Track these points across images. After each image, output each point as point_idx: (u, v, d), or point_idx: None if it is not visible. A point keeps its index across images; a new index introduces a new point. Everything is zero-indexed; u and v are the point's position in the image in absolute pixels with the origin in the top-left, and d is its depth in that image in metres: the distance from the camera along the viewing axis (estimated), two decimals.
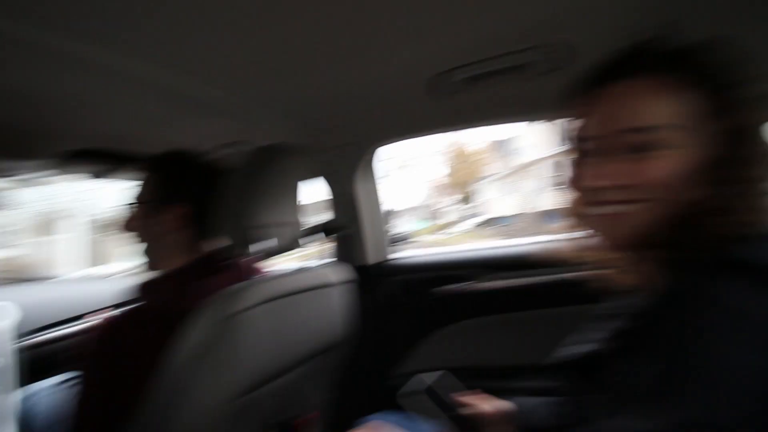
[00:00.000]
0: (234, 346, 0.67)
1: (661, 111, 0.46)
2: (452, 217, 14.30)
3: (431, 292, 1.32)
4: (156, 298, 0.75)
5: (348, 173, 1.30)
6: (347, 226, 1.36)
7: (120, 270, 1.79)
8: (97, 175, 1.31)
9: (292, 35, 0.68)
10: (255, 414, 0.76)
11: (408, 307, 1.35)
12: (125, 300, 1.46)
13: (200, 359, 0.66)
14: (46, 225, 5.89)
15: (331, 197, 1.35)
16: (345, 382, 1.11)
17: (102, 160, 1.23)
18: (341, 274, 0.98)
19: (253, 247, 0.77)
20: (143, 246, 0.86)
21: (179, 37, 0.67)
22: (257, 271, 0.91)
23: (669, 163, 0.46)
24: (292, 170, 0.86)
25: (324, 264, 0.99)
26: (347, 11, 0.62)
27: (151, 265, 0.86)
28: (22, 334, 1.25)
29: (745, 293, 0.38)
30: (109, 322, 0.72)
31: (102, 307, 1.43)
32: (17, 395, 1.03)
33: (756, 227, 0.43)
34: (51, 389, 1.15)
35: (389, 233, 1.48)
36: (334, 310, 0.94)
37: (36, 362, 1.25)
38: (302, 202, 0.92)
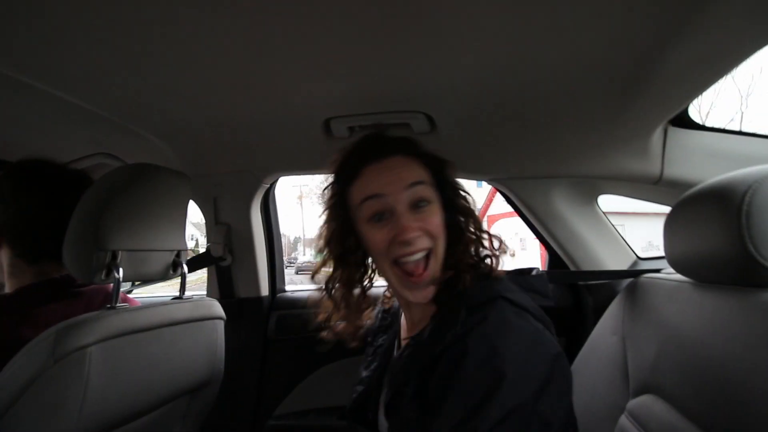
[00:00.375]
0: (72, 387, 0.60)
1: (419, 172, 0.66)
2: None
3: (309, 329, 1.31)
4: None
5: (241, 201, 1.26)
6: (230, 257, 1.31)
7: None
8: None
9: (183, 57, 0.67)
10: None
11: (291, 344, 1.31)
12: None
13: (32, 394, 0.58)
14: None
15: (218, 225, 1.29)
16: (218, 423, 1.05)
17: None
18: (216, 308, 0.93)
19: (111, 274, 0.71)
20: None
21: (62, 47, 0.63)
22: (120, 300, 0.84)
23: (436, 213, 0.65)
24: (168, 192, 0.82)
25: (199, 297, 0.94)
26: (250, 43, 0.62)
27: None
28: None
29: (519, 315, 0.57)
30: None
31: None
32: None
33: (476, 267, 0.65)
34: None
35: (284, 264, 1.44)
36: (207, 346, 0.88)
37: None
38: (180, 228, 0.88)
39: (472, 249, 0.66)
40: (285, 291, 1.43)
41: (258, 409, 1.27)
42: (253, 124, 0.93)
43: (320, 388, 1.27)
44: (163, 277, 0.86)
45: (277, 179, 1.33)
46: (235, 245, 1.29)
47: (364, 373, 0.76)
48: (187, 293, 0.92)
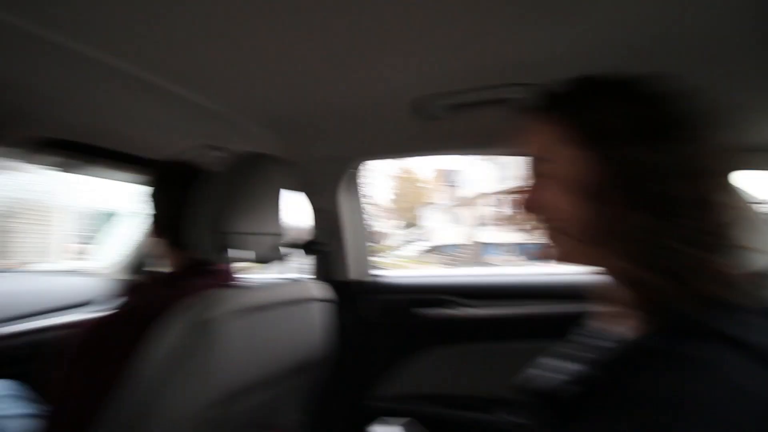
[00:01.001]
0: (207, 355, 0.66)
1: (542, 143, 0.53)
2: (396, 241, 14.29)
3: (412, 314, 1.31)
4: (141, 301, 0.75)
5: (330, 187, 1.29)
6: (328, 242, 1.36)
7: (90, 266, 1.75)
8: (65, 167, 1.29)
9: (283, 46, 0.68)
10: (225, 430, 0.75)
11: (388, 329, 1.33)
12: (108, 300, 1.45)
13: (172, 366, 0.65)
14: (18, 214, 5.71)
15: (312, 211, 1.33)
16: (320, 403, 1.09)
17: (72, 153, 1.21)
18: (321, 290, 0.97)
19: (231, 255, 0.76)
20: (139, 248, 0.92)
21: (169, 40, 0.67)
22: (235, 279, 0.91)
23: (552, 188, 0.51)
24: (273, 180, 0.85)
25: (303, 278, 0.98)
26: (339, 27, 0.63)
27: (143, 268, 0.96)
28: None
29: (745, 369, 0.36)
30: (92, 323, 0.72)
31: (74, 303, 1.43)
32: None
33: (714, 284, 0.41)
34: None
35: (371, 250, 1.47)
36: (313, 327, 0.92)
37: None
38: (283, 214, 0.92)
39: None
40: (379, 275, 1.44)
41: (360, 392, 1.30)
42: (348, 108, 0.94)
43: (426, 374, 1.26)
44: (272, 259, 0.90)
45: (367, 162, 1.33)
46: (328, 229, 1.33)
47: (575, 367, 0.53)
48: (282, 276, 0.97)
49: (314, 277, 1.39)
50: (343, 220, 1.32)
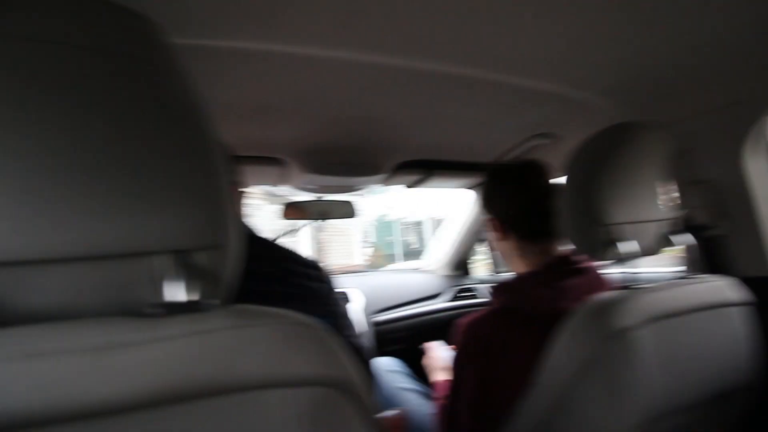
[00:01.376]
0: (626, 370, 0.58)
1: None
2: None
3: None
4: (516, 300, 0.74)
5: (729, 147, 0.93)
6: (726, 223, 1.00)
7: (425, 266, 1.99)
8: (413, 184, 1.46)
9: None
10: None
11: None
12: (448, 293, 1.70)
13: (584, 380, 0.59)
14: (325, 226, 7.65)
15: (694, 184, 1.00)
16: None
17: (421, 170, 1.35)
18: (736, 290, 0.72)
19: (615, 249, 0.66)
20: (491, 251, 0.94)
21: (491, 32, 0.64)
22: (608, 279, 0.80)
23: None
24: (650, 152, 0.70)
25: (711, 275, 0.76)
26: None
27: (499, 269, 0.94)
28: (368, 314, 1.54)
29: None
30: (473, 321, 0.74)
31: (426, 295, 1.67)
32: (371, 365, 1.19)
33: None
34: (383, 365, 1.32)
35: None
36: (734, 340, 0.70)
37: (378, 338, 1.52)
38: (662, 193, 0.72)
39: None
40: None
41: None
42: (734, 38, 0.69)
43: None
44: (655, 251, 0.74)
45: None
46: (725, 207, 0.98)
47: None
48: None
49: (709, 271, 1.06)
50: (752, 193, 0.94)
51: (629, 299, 0.61)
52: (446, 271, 1.87)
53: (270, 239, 0.77)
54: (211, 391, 0.27)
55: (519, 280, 0.77)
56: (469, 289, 1.78)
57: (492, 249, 0.96)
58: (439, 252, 1.90)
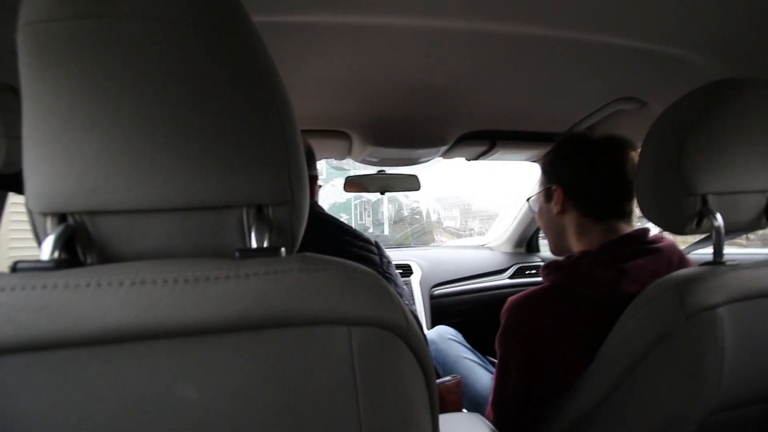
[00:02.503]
0: (703, 349, 0.54)
1: None
2: None
3: None
4: (567, 280, 0.70)
5: None
6: None
7: (485, 242, 1.98)
8: (475, 157, 1.40)
9: None
10: None
11: None
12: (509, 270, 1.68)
13: (664, 360, 0.56)
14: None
15: None
16: None
17: (485, 141, 1.30)
18: None
19: (702, 223, 0.60)
20: (544, 231, 0.87)
21: None
22: (689, 259, 0.75)
23: None
24: (756, 112, 0.60)
25: None
26: None
27: (553, 249, 0.86)
28: (428, 287, 1.58)
29: None
30: (518, 301, 0.72)
31: (487, 271, 1.65)
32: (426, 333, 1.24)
33: None
34: (444, 332, 1.32)
35: None
36: None
37: (438, 310, 1.54)
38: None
39: None
40: None
41: None
42: None
43: None
44: (756, 226, 0.66)
45: None
46: None
47: None
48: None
49: None
50: None
51: (711, 276, 0.56)
52: (508, 249, 1.86)
53: (329, 215, 0.80)
54: (280, 322, 0.30)
55: (574, 259, 0.72)
56: (531, 267, 1.74)
57: (541, 221, 0.87)
58: (502, 229, 1.88)
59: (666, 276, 0.59)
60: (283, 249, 0.33)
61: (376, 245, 0.79)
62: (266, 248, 0.33)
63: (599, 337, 0.62)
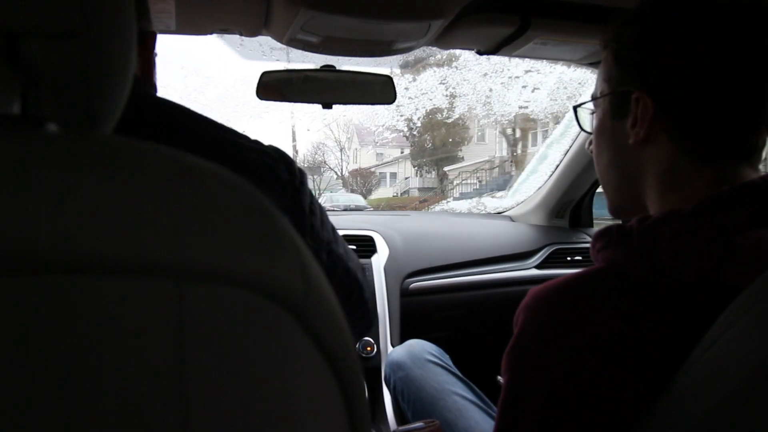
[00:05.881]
0: None
1: None
2: None
3: None
4: (637, 258, 0.56)
5: None
6: None
7: (506, 207, 1.76)
8: (494, 46, 1.08)
9: None
10: None
11: None
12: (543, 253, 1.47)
13: None
14: None
15: None
16: None
17: (511, 17, 0.98)
18: None
19: None
20: (602, 174, 0.71)
21: None
22: None
23: None
24: None
25: None
26: None
27: (615, 206, 0.70)
28: (402, 276, 1.30)
29: None
30: (546, 292, 0.58)
31: (505, 254, 1.42)
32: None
33: None
34: (420, 350, 1.12)
35: None
36: None
37: (417, 315, 1.29)
38: None
39: None
40: None
41: None
42: None
43: None
44: None
45: None
46: None
47: None
48: None
49: None
50: None
51: None
52: (540, 219, 1.61)
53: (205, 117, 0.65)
54: (39, 266, 0.21)
55: (650, 222, 0.57)
56: (576, 251, 1.48)
57: (600, 155, 0.64)
58: (532, 186, 1.61)
59: None
60: (51, 125, 0.26)
61: (283, 157, 0.65)
62: (15, 117, 0.27)
63: (678, 355, 0.50)
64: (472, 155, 12.36)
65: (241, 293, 0.24)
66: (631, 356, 0.53)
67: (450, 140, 12.94)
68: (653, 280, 0.55)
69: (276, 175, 0.63)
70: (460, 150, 13.26)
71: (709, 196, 0.55)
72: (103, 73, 0.29)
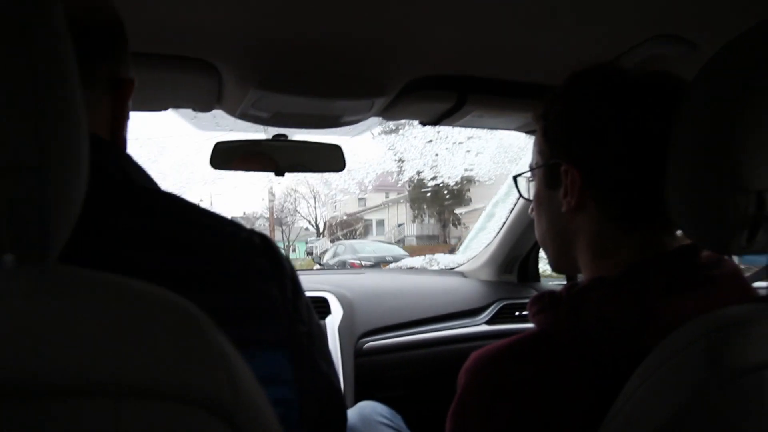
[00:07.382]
0: (747, 424, 0.49)
1: None
2: None
3: None
4: (566, 323, 0.61)
5: None
6: None
7: (454, 263, 1.80)
8: (435, 118, 1.17)
9: None
10: None
11: None
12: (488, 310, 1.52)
13: None
14: None
15: None
16: None
17: (449, 93, 1.06)
18: None
19: (757, 237, 0.53)
20: (540, 237, 0.76)
21: None
22: (755, 293, 0.66)
23: None
24: None
25: None
26: None
27: (555, 266, 0.76)
28: (354, 336, 1.31)
29: None
30: (487, 356, 0.64)
31: (454, 311, 1.45)
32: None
33: None
34: (371, 412, 1.12)
35: None
36: None
37: (368, 375, 1.29)
38: None
39: None
40: None
41: None
42: None
43: None
44: None
45: None
46: None
47: None
48: None
49: None
50: None
51: (763, 320, 0.52)
52: (490, 275, 1.66)
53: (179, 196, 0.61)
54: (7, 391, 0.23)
55: (578, 290, 0.63)
56: (524, 306, 1.54)
57: (539, 219, 0.72)
58: (481, 243, 1.66)
59: (697, 318, 0.53)
60: (9, 256, 0.28)
61: (266, 245, 0.60)
62: None
63: (606, 408, 0.55)
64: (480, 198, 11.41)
65: (173, 405, 0.26)
66: (563, 413, 0.56)
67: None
68: (580, 342, 0.58)
69: (274, 274, 0.61)
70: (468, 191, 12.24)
71: (631, 264, 0.60)
72: (59, 203, 0.30)
